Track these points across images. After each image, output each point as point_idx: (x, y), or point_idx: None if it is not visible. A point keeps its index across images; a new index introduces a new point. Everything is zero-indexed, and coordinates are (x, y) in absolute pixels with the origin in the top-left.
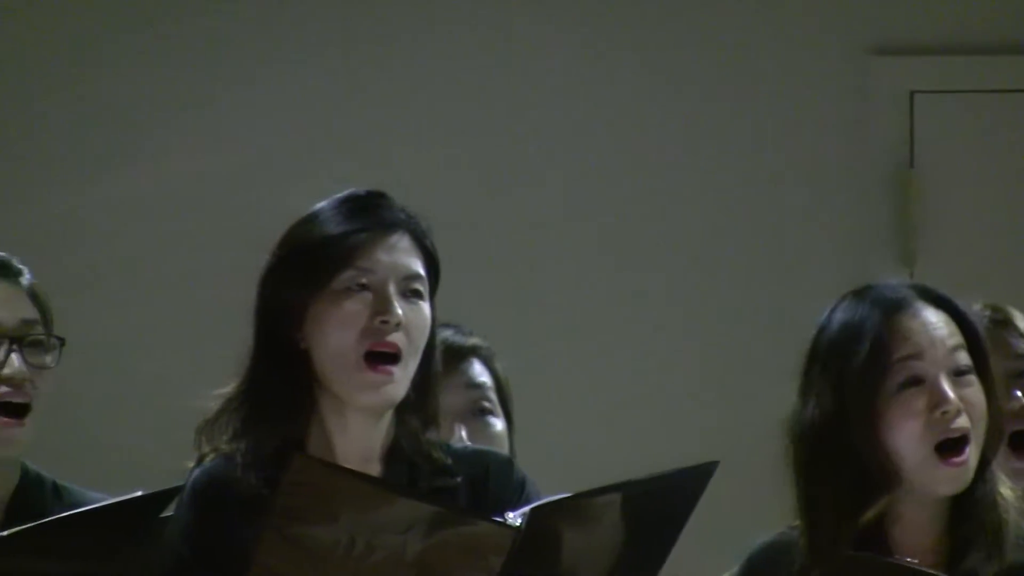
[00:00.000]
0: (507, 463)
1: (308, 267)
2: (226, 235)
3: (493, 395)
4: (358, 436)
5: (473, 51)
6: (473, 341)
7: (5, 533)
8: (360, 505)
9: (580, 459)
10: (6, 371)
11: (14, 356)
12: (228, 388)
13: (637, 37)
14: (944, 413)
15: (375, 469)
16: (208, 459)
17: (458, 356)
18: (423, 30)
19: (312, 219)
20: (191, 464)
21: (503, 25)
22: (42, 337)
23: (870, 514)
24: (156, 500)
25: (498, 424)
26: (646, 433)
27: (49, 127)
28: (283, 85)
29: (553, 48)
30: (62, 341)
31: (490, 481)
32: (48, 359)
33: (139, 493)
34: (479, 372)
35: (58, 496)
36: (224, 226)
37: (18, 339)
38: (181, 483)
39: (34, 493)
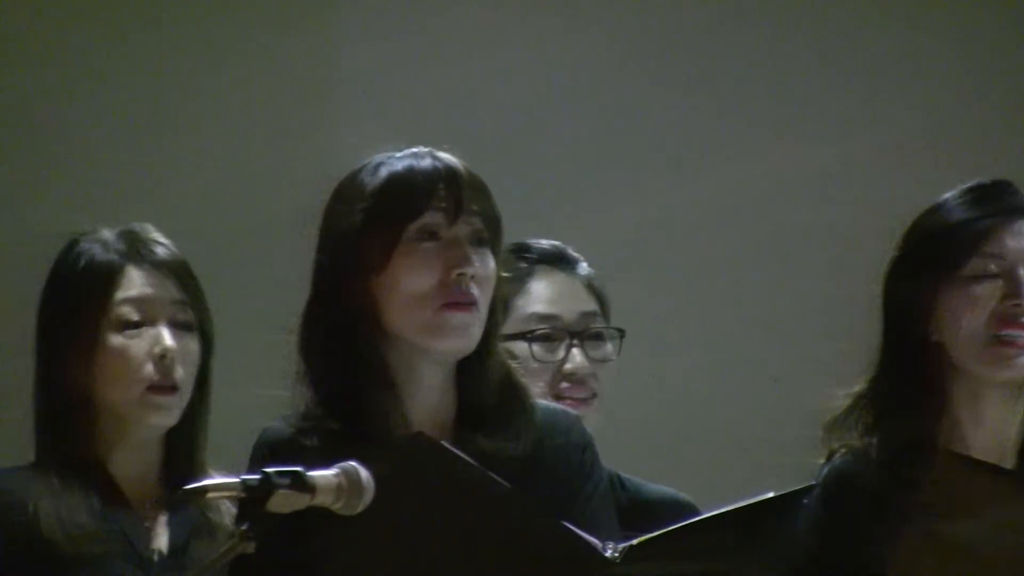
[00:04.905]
0: None
1: (935, 256)
2: (832, 229)
3: None
4: (995, 427)
5: None
6: None
7: (635, 541)
8: (1005, 501)
9: None
10: (568, 366)
11: (575, 351)
12: (857, 386)
13: None
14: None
15: (1009, 463)
16: (838, 455)
17: None
18: None
19: (937, 209)
20: (821, 460)
21: None
22: (602, 329)
23: None
24: (787, 501)
25: None
26: None
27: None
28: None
29: None
30: (622, 332)
31: None
32: (609, 350)
33: (771, 495)
34: None
35: (623, 487)
36: (830, 221)
37: (578, 333)
38: (812, 483)
39: None
